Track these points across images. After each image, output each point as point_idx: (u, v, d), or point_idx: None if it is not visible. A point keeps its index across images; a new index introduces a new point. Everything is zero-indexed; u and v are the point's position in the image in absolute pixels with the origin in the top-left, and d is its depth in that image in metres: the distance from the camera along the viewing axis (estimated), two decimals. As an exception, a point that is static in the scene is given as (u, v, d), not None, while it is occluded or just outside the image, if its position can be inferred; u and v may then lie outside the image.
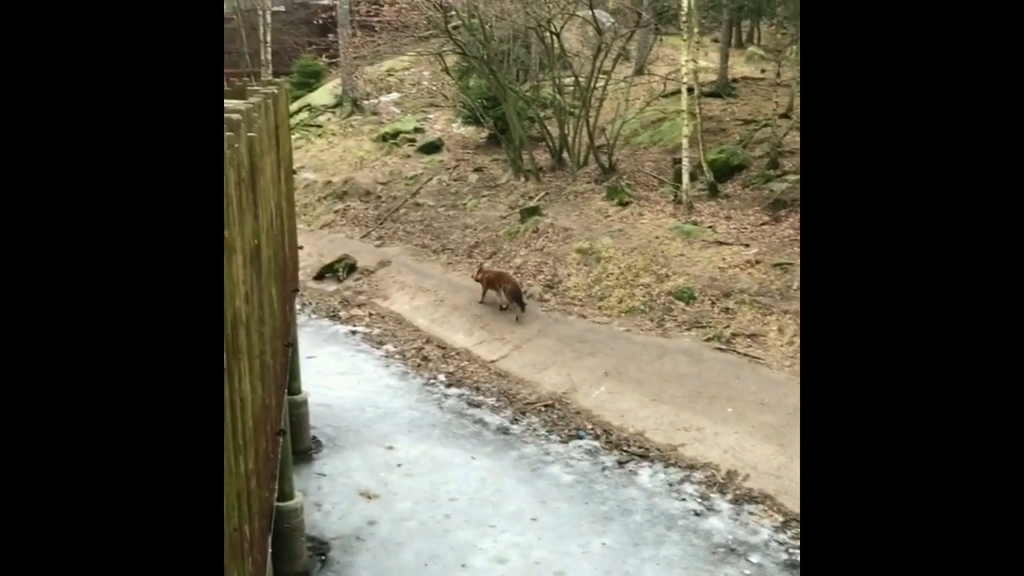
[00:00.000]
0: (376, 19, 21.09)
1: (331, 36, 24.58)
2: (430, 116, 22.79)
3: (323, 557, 7.21)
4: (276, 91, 6.78)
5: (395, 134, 21.12)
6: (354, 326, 13.27)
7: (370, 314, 13.69)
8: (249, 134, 4.41)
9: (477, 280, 12.87)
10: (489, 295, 12.81)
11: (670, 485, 8.37)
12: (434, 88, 23.94)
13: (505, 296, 12.45)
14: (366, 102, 23.67)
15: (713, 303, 11.39)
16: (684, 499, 8.12)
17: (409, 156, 20.18)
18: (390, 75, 25.55)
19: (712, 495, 8.16)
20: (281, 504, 6.49)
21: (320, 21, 25.70)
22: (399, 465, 8.75)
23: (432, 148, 20.28)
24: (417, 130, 21.48)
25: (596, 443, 9.26)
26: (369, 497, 8.12)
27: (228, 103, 5.24)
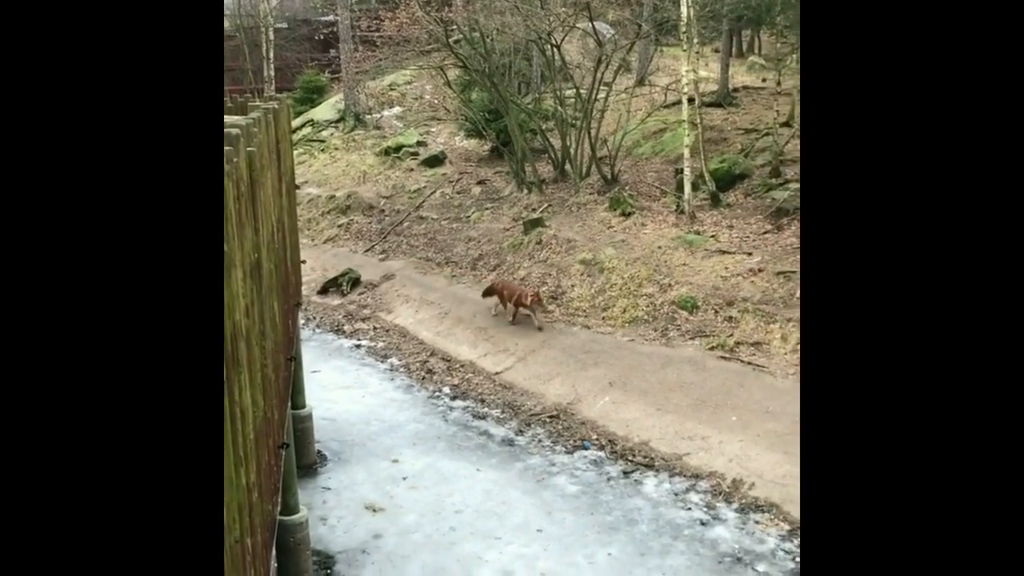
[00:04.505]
0: (377, 34, 21.24)
1: (333, 52, 24.76)
2: (432, 130, 22.89)
3: (329, 571, 7.20)
4: (277, 106, 6.83)
5: (398, 148, 21.20)
6: (358, 340, 13.28)
7: (374, 328, 13.71)
8: (248, 149, 4.44)
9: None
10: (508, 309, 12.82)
11: (675, 494, 8.35)
12: (436, 102, 24.05)
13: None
14: (369, 116, 23.78)
15: (716, 312, 11.39)
16: (690, 508, 8.10)
17: (412, 170, 20.25)
18: (392, 89, 25.68)
19: (718, 504, 8.14)
20: (286, 518, 6.50)
21: (322, 37, 25.87)
22: (404, 478, 8.75)
23: (435, 161, 20.35)
24: (420, 144, 21.56)
25: (601, 453, 9.25)
26: (374, 510, 8.12)
27: (228, 119, 5.28)
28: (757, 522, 7.80)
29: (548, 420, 10.11)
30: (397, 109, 24.69)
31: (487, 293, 13.13)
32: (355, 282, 15.33)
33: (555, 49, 17.10)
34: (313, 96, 26.06)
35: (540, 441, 9.63)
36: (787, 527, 7.68)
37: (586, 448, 9.38)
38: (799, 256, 12.13)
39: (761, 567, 7.16)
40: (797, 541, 7.48)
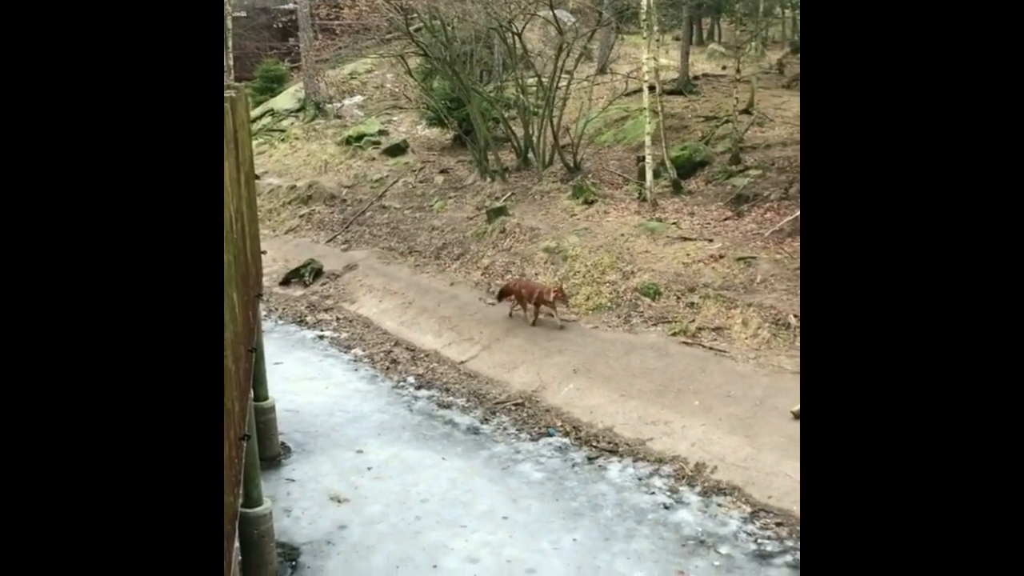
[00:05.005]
0: (337, 22, 21.04)
1: (292, 40, 24.48)
2: (394, 118, 22.75)
3: (293, 563, 7.17)
4: (234, 95, 6.73)
5: (359, 137, 21.05)
6: (321, 331, 13.20)
7: (337, 318, 13.63)
8: (204, 138, 4.38)
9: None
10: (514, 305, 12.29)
11: (639, 479, 8.42)
12: (397, 90, 23.90)
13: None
14: (329, 106, 23.57)
15: (678, 298, 11.49)
16: (653, 493, 8.18)
17: (374, 159, 20.12)
18: (353, 78, 25.47)
19: (681, 488, 8.23)
20: (249, 511, 6.46)
21: (281, 25, 25.54)
22: (369, 468, 8.72)
23: (397, 150, 20.24)
24: (381, 132, 21.43)
25: (566, 440, 9.30)
26: (339, 501, 8.09)
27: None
28: (720, 505, 7.90)
29: (513, 408, 10.14)
30: (358, 98, 24.49)
31: (503, 294, 12.39)
32: (317, 273, 15.22)
33: (516, 37, 17.07)
34: (273, 85, 25.76)
35: (505, 429, 9.66)
36: (749, 509, 7.79)
37: (551, 435, 9.43)
38: (760, 242, 12.26)
39: (724, 549, 7.26)
40: (759, 523, 7.59)
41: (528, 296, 11.87)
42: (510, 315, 12.25)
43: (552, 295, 11.57)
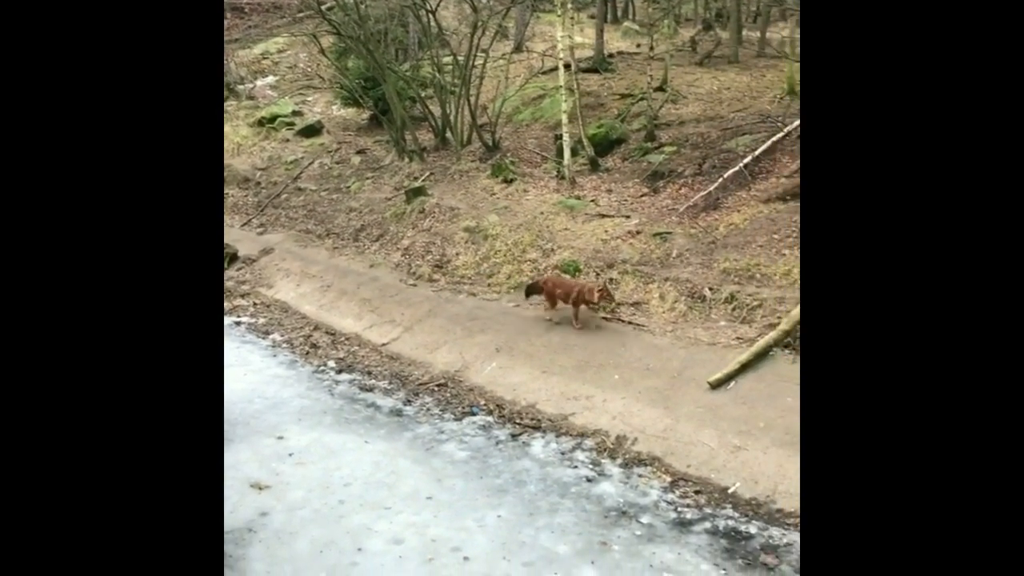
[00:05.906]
0: (246, 1, 20.49)
1: (200, 19, 23.68)
2: (308, 99, 22.31)
3: (214, 553, 7.03)
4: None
5: (272, 118, 20.59)
6: (238, 317, 12.92)
7: (255, 304, 13.36)
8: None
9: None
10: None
11: (562, 454, 8.52)
12: (311, 70, 23.43)
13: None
14: (241, 86, 22.96)
15: (598, 274, 11.62)
16: (576, 467, 8.28)
17: (288, 140, 19.72)
18: (264, 58, 24.84)
19: (603, 461, 8.35)
20: (165, 502, 6.29)
21: (187, 3, 24.71)
22: (290, 454, 8.59)
23: (312, 131, 19.88)
24: (296, 113, 21.00)
25: (489, 418, 9.33)
26: (260, 488, 7.95)
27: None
28: (640, 476, 8.06)
29: (436, 388, 10.12)
30: (271, 78, 23.92)
31: (531, 291, 11.23)
32: (232, 257, 14.86)
33: (431, 15, 16.89)
34: (180, 65, 24.93)
35: (429, 410, 9.64)
36: (669, 479, 7.96)
37: (475, 414, 9.45)
38: (675, 217, 12.45)
39: (645, 519, 7.40)
40: (679, 492, 7.77)
41: (565, 296, 10.58)
42: (549, 319, 10.98)
43: (597, 295, 10.27)
